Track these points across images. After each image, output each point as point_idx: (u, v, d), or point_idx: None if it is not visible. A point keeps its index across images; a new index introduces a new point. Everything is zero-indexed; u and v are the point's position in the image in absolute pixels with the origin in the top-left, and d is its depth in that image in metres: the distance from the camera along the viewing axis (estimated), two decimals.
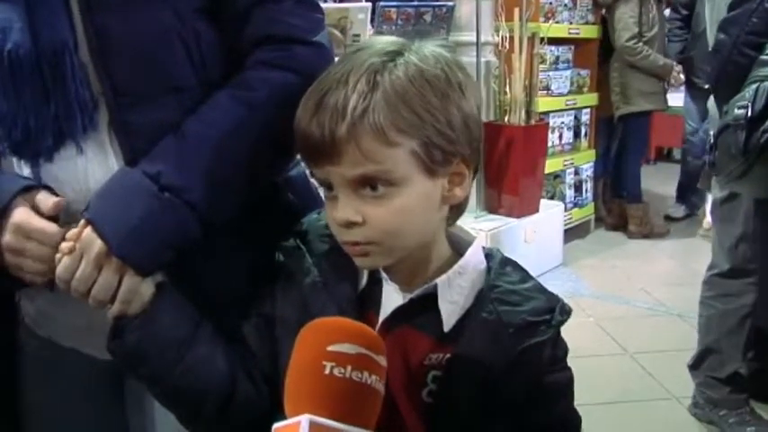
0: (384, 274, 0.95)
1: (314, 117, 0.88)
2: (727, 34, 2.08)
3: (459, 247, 0.99)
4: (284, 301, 0.98)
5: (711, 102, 2.44)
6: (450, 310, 0.93)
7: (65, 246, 0.92)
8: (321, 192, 0.98)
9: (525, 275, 0.98)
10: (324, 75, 0.91)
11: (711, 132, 2.07)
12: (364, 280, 0.96)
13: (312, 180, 1.14)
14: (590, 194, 5.19)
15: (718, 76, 2.11)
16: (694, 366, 2.67)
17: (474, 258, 0.96)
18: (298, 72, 0.99)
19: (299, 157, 1.07)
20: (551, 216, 4.43)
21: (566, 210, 4.72)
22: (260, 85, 0.99)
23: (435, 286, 0.92)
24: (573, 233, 4.89)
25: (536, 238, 4.18)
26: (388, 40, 0.92)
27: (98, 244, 0.91)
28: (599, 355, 3.22)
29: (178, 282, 1.00)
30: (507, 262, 0.98)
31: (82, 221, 0.93)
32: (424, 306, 0.93)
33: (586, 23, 5.02)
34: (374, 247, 0.90)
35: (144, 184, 0.93)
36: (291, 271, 0.99)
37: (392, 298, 0.95)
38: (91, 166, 1.00)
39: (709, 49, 2.34)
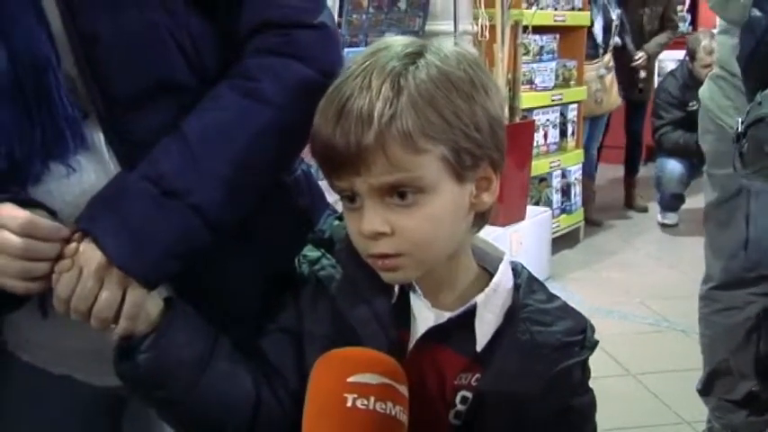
0: (417, 289, 0.98)
1: (337, 125, 0.90)
2: (763, 12, 2.03)
3: (484, 261, 1.04)
4: (313, 316, 1.00)
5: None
6: (485, 329, 0.97)
7: (63, 264, 0.92)
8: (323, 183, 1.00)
9: (550, 294, 1.03)
10: (341, 79, 0.93)
11: (739, 120, 2.04)
12: (395, 293, 0.99)
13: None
14: (579, 199, 5.25)
15: (750, 56, 2.07)
16: (705, 391, 2.65)
17: (505, 275, 1.01)
18: (300, 58, 1.01)
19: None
20: (538, 224, 4.45)
21: (553, 216, 4.76)
22: (261, 75, 1.00)
23: (475, 305, 0.97)
24: (561, 242, 4.94)
25: (522, 249, 4.19)
26: (404, 41, 0.96)
27: (97, 256, 0.91)
28: (600, 377, 3.10)
29: (183, 294, 1.01)
30: (534, 279, 1.04)
31: (77, 234, 0.94)
32: (459, 324, 0.97)
33: (572, 9, 5.07)
34: (404, 260, 0.93)
35: (144, 187, 0.95)
36: (320, 284, 1.01)
37: (424, 315, 0.98)
38: (87, 179, 1.00)
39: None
